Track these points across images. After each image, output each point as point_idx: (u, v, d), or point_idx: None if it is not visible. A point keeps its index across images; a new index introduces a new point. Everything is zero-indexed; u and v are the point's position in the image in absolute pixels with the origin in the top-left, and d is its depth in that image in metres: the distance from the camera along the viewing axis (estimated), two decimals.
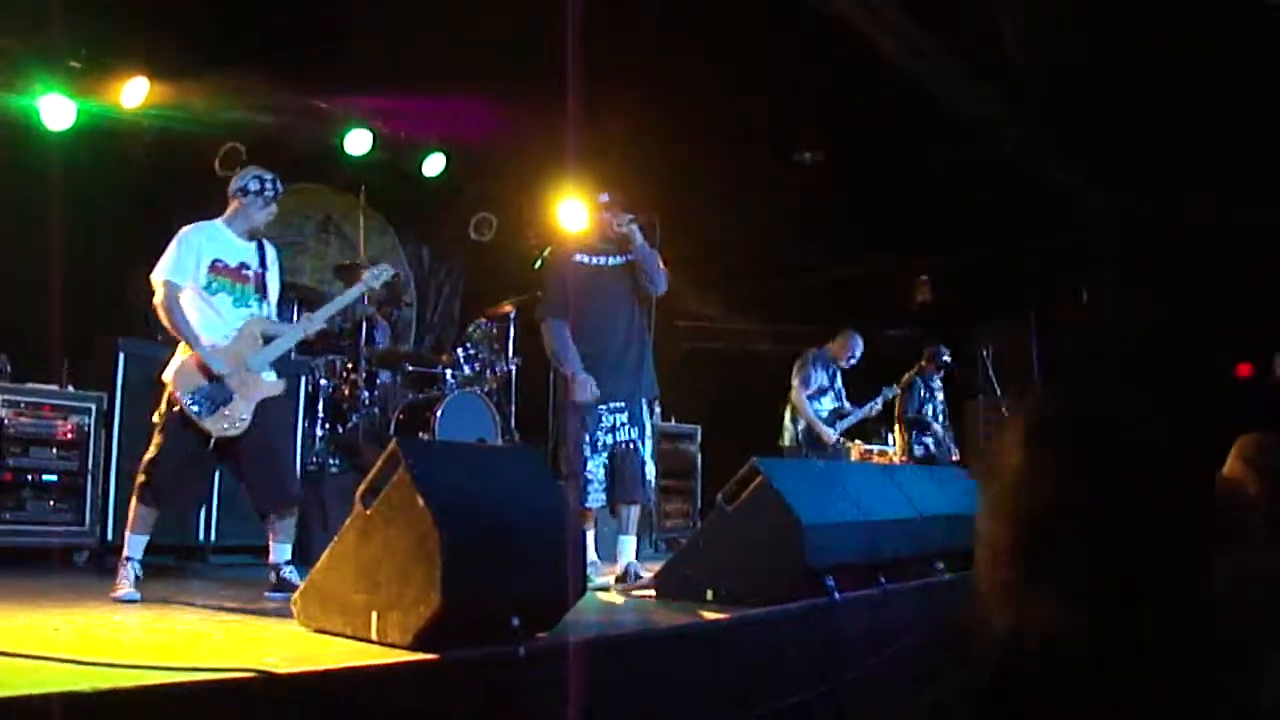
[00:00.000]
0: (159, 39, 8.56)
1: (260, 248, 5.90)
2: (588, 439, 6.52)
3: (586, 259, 6.85)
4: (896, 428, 10.62)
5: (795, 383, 9.54)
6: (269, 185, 5.83)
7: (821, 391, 9.60)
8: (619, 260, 6.84)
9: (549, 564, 4.20)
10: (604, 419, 6.59)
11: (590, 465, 6.52)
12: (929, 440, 10.40)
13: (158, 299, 5.54)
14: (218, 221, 5.82)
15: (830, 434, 9.49)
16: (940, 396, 10.54)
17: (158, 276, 5.56)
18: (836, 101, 10.09)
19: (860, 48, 8.77)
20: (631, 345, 6.80)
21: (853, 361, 9.74)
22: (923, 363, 10.50)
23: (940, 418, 10.50)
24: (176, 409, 5.46)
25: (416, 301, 12.06)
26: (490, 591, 3.85)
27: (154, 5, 8.05)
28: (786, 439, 9.63)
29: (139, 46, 8.64)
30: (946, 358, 10.47)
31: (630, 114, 9.58)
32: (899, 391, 10.26)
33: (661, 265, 6.80)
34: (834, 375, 9.72)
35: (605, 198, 6.96)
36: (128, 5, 8.05)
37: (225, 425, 5.47)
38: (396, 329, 10.64)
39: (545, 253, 10.37)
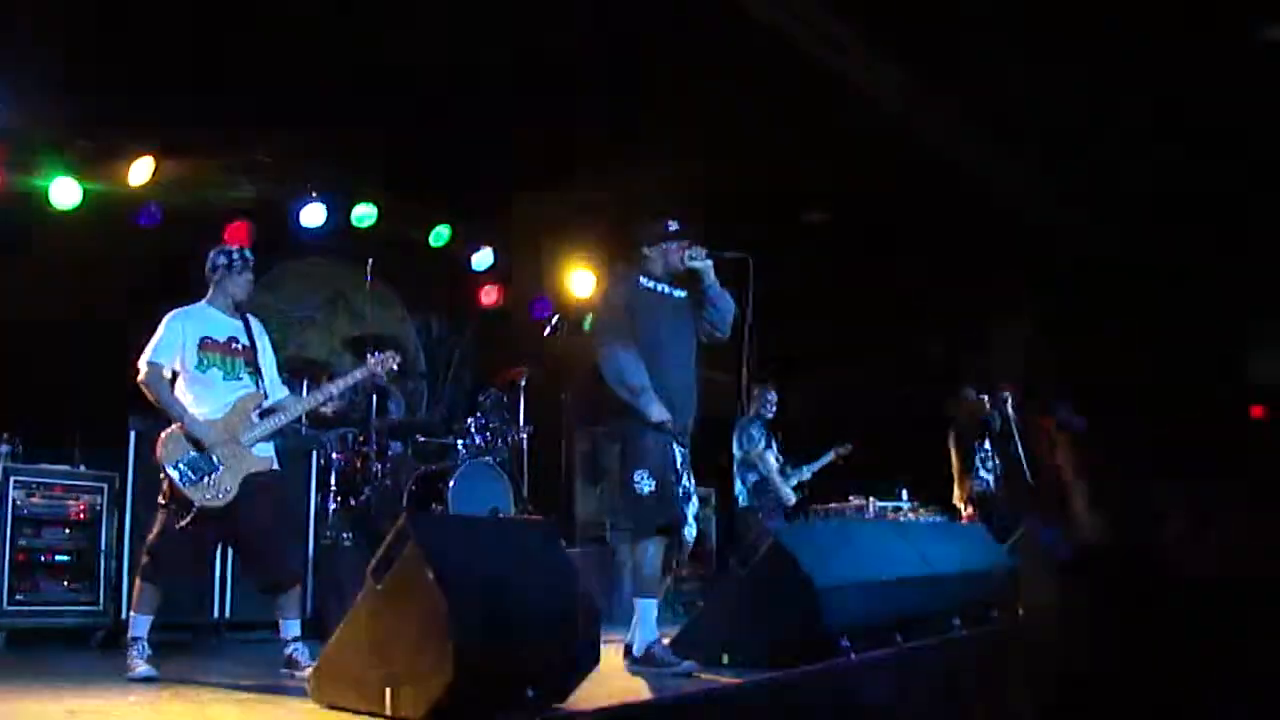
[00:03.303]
0: (164, 117, 8.65)
1: (246, 323, 5.96)
2: (676, 457, 5.76)
3: (651, 284, 6.00)
4: (955, 468, 10.56)
5: (747, 446, 9.61)
6: (236, 257, 5.91)
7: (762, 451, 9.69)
8: (682, 294, 6.06)
9: (562, 634, 4.19)
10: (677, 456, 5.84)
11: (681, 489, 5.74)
12: (988, 478, 10.36)
13: (140, 378, 5.59)
14: (201, 303, 5.90)
15: (787, 491, 9.59)
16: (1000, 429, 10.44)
17: (142, 360, 5.63)
18: (841, 160, 10.15)
19: (861, 105, 8.86)
20: (693, 392, 6.00)
21: (771, 411, 9.79)
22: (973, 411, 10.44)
23: (992, 462, 10.43)
24: (169, 483, 5.49)
25: (427, 372, 12.08)
26: (504, 663, 3.84)
27: (159, 84, 8.13)
28: (742, 500, 9.75)
29: (145, 125, 8.73)
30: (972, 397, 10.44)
31: (633, 178, 9.63)
32: (954, 436, 10.32)
33: (733, 308, 6.05)
34: (768, 435, 9.81)
35: (673, 225, 6.05)
36: (132, 84, 8.14)
37: (209, 495, 5.47)
38: (411, 400, 10.65)
39: (555, 320, 10.49)
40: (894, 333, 13.39)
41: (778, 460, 9.76)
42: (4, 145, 8.25)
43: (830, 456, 10.20)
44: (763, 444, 9.65)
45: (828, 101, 8.99)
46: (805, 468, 9.96)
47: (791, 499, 9.65)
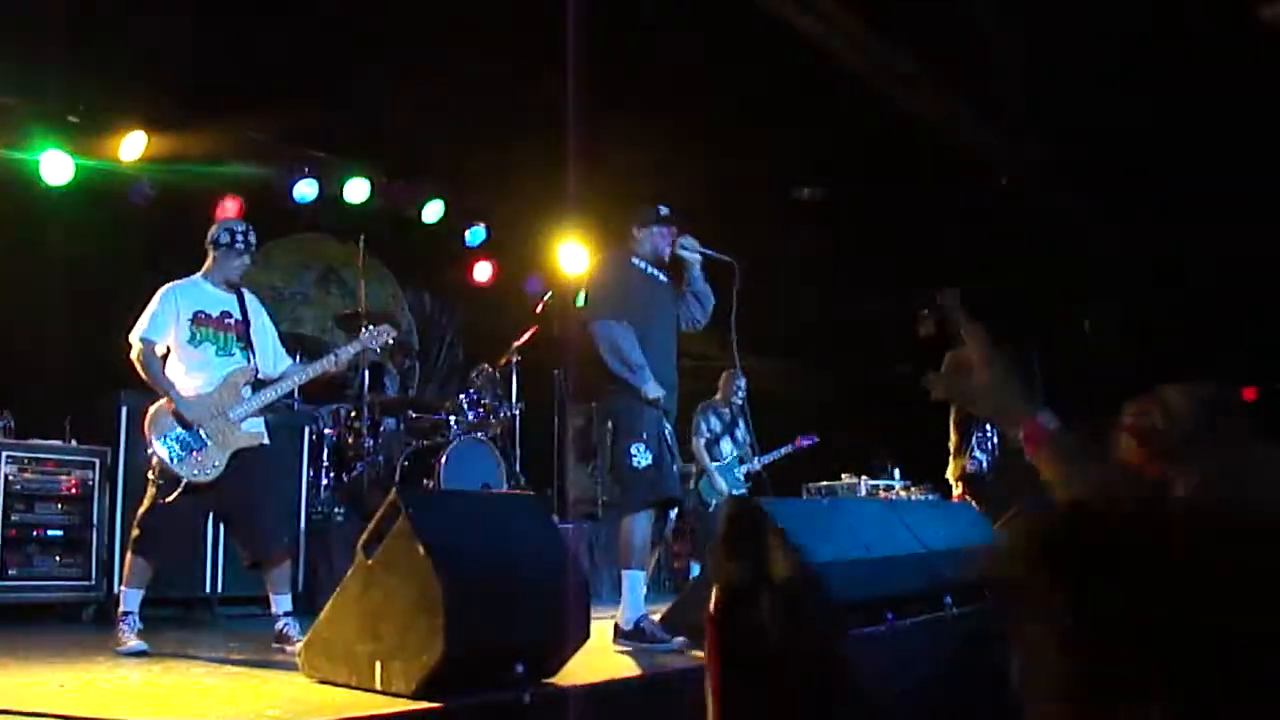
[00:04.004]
0: (156, 92, 8.61)
1: (240, 298, 5.96)
2: (668, 431, 5.83)
3: (641, 265, 6.04)
4: (953, 445, 10.61)
5: (694, 435, 9.59)
6: (239, 237, 5.89)
7: (716, 439, 9.68)
8: (665, 280, 6.11)
9: (552, 610, 4.19)
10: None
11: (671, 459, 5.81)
12: (982, 459, 10.39)
13: (134, 355, 5.62)
14: (196, 276, 5.91)
15: (722, 484, 9.54)
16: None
17: (134, 335, 5.64)
18: (835, 137, 10.11)
19: (856, 83, 8.83)
20: (675, 373, 6.04)
21: (739, 397, 9.69)
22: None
23: (989, 444, 10.48)
24: (157, 459, 5.49)
25: (420, 348, 12.06)
26: (493, 639, 3.84)
27: (151, 59, 8.09)
28: (693, 484, 9.71)
29: (137, 100, 8.68)
30: None
31: (627, 154, 9.60)
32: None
33: (712, 304, 6.16)
34: (731, 420, 9.75)
35: (665, 211, 6.06)
36: (125, 60, 8.10)
37: (196, 471, 5.49)
38: (406, 377, 10.64)
39: (547, 297, 10.47)
40: (890, 313, 13.38)
41: (737, 447, 9.74)
42: None
43: (788, 449, 10.16)
44: (715, 432, 9.64)
45: (825, 82, 8.95)
46: (758, 459, 9.90)
47: (724, 488, 9.58)
